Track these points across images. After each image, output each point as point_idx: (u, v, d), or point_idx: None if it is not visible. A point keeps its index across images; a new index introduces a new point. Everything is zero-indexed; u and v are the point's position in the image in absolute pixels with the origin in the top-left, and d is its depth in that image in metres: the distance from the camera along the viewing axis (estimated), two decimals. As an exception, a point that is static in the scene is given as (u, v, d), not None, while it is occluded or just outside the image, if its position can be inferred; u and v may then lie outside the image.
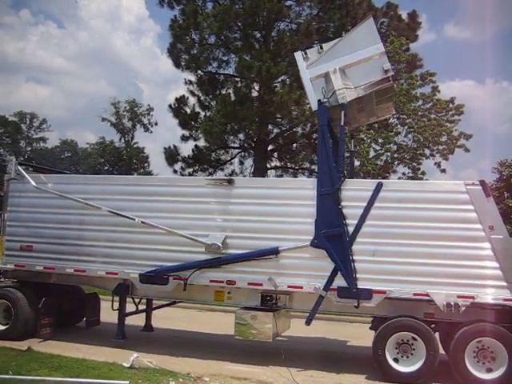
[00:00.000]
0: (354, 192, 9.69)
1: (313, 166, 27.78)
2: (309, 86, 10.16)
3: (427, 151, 21.22)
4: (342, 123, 9.90)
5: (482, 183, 9.20)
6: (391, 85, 10.22)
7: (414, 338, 9.14)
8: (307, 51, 10.39)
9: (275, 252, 9.75)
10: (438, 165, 21.61)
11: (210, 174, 28.04)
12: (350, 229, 9.50)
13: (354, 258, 9.43)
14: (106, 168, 54.36)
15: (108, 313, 11.52)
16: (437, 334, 9.41)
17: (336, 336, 13.33)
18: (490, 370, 8.85)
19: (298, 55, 10.44)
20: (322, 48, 10.32)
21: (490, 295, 8.90)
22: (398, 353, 9.22)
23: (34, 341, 10.67)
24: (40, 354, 9.54)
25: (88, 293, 12.68)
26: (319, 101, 9.93)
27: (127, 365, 8.88)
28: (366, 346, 9.81)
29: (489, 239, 8.94)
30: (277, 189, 10.24)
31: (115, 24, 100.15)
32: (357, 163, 20.32)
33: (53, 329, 11.24)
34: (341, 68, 9.88)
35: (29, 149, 71.82)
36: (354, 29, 10.34)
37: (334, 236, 9.53)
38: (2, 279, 11.87)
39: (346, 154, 12.15)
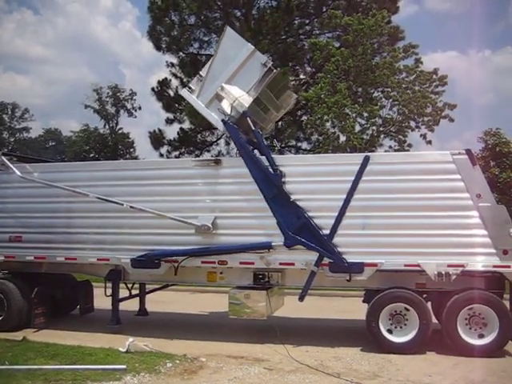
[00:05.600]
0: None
1: (299, 144, 27.78)
2: (207, 113, 10.44)
3: (413, 123, 21.17)
4: (254, 128, 10.11)
5: (468, 152, 9.25)
6: (275, 73, 10.33)
7: (406, 309, 9.25)
8: (189, 85, 10.89)
9: (268, 247, 9.77)
10: (424, 136, 21.59)
11: (197, 155, 27.97)
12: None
13: (344, 232, 9.48)
14: (91, 155, 53.63)
15: (101, 299, 11.51)
16: (429, 304, 9.52)
17: (329, 311, 13.47)
18: (481, 336, 9.00)
19: (184, 92, 10.91)
20: (201, 76, 10.68)
21: (479, 263, 9.02)
22: (391, 324, 9.33)
23: (28, 331, 10.65)
24: (35, 343, 9.53)
25: (80, 280, 12.65)
26: (223, 120, 10.13)
27: (123, 349, 8.90)
28: (360, 319, 9.90)
29: (477, 207, 9.02)
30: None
31: (92, 8, 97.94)
32: (343, 138, 20.32)
33: (47, 318, 11.25)
34: (226, 83, 10.12)
35: (12, 139, 70.68)
36: (217, 44, 10.66)
37: (300, 228, 9.60)
38: (-8, 271, 11.81)
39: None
